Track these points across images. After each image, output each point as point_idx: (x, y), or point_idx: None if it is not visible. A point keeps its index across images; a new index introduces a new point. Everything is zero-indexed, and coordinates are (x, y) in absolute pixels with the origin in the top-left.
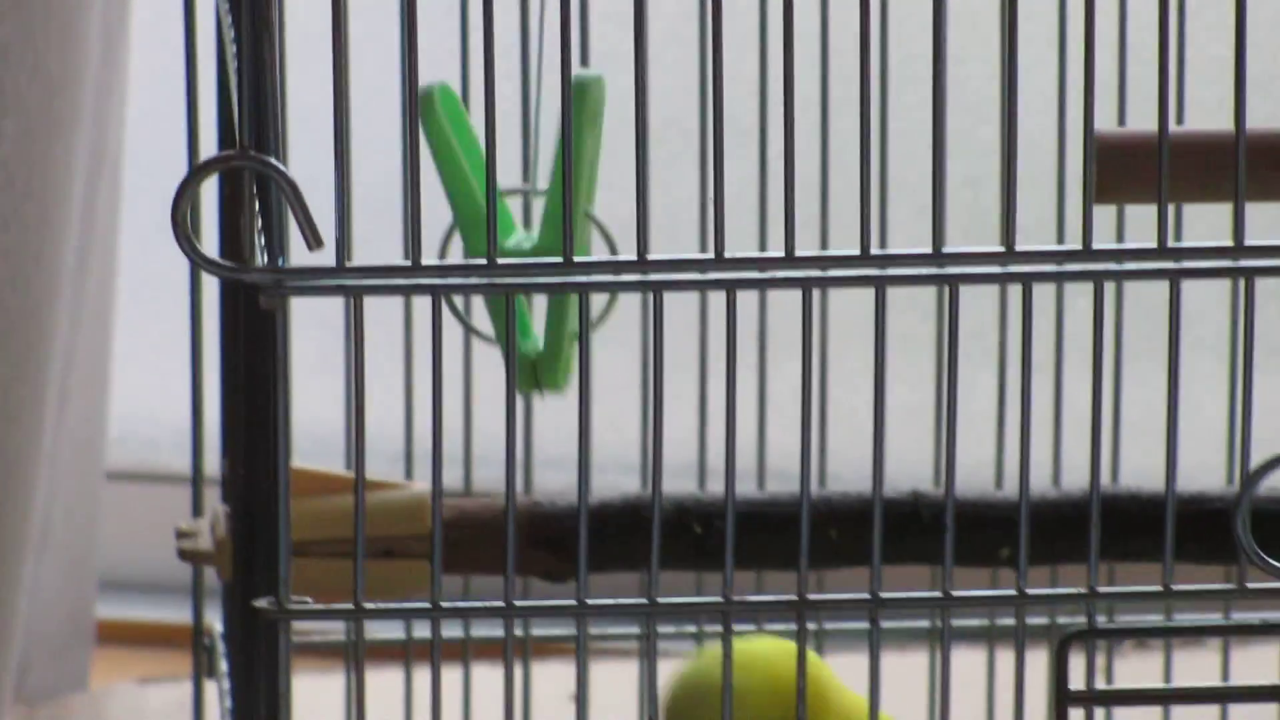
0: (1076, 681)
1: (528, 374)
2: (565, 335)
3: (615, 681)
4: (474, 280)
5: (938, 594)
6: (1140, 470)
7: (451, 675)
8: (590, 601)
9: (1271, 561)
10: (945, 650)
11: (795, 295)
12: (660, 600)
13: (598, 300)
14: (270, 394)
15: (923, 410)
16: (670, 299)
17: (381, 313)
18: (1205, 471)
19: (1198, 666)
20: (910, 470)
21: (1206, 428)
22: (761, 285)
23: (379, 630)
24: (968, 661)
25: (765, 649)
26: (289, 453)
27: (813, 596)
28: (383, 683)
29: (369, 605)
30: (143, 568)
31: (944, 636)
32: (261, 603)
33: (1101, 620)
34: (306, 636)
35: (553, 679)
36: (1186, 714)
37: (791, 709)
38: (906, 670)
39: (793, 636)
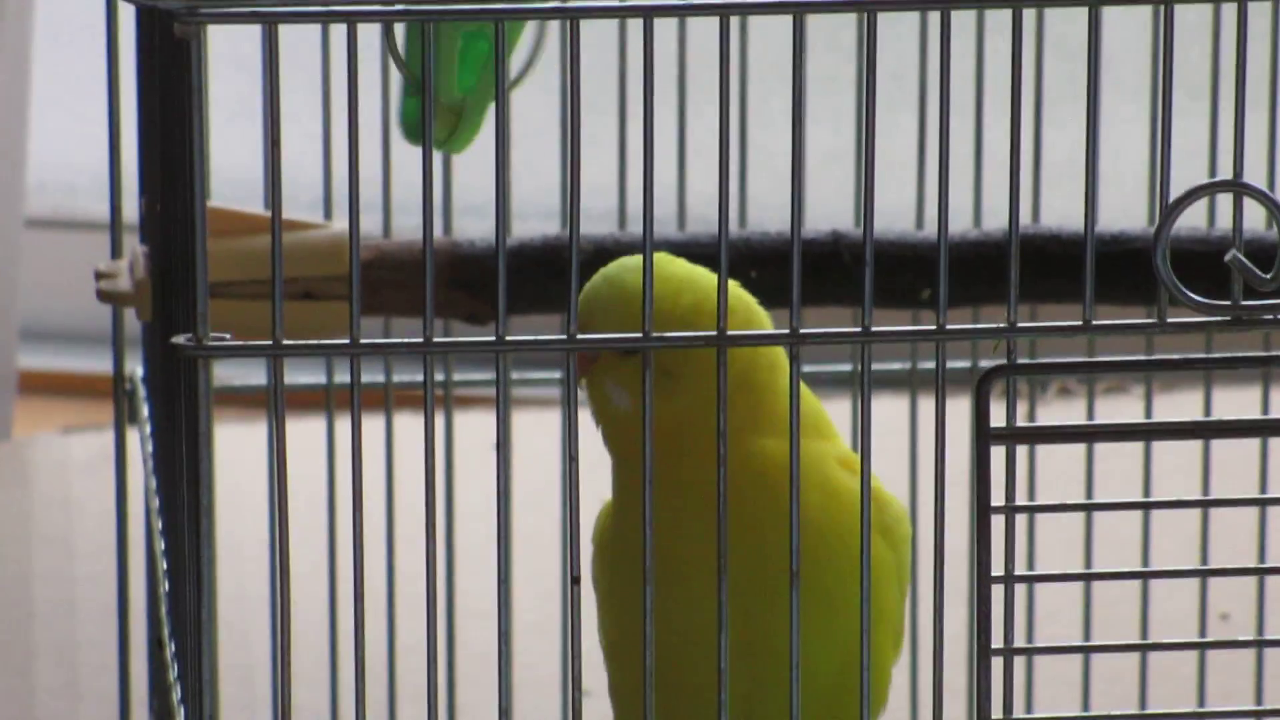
0: (999, 423)
1: (445, 122)
2: (482, 90)
3: (537, 431)
4: (393, 8)
5: (858, 330)
6: (1062, 216)
7: (373, 424)
8: (510, 339)
9: (1192, 295)
10: (866, 389)
11: (714, 37)
12: (580, 337)
13: (522, 53)
14: (186, 129)
15: (844, 155)
16: (589, 37)
17: (300, 55)
18: (1126, 218)
19: (1121, 414)
20: (831, 216)
21: (1127, 173)
22: (679, 12)
23: (300, 376)
24: (890, 408)
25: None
26: (206, 187)
27: (732, 333)
28: (305, 431)
29: (288, 343)
30: (64, 317)
31: (864, 375)
32: (180, 340)
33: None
34: (227, 382)
35: (475, 429)
36: (1110, 455)
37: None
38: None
39: None
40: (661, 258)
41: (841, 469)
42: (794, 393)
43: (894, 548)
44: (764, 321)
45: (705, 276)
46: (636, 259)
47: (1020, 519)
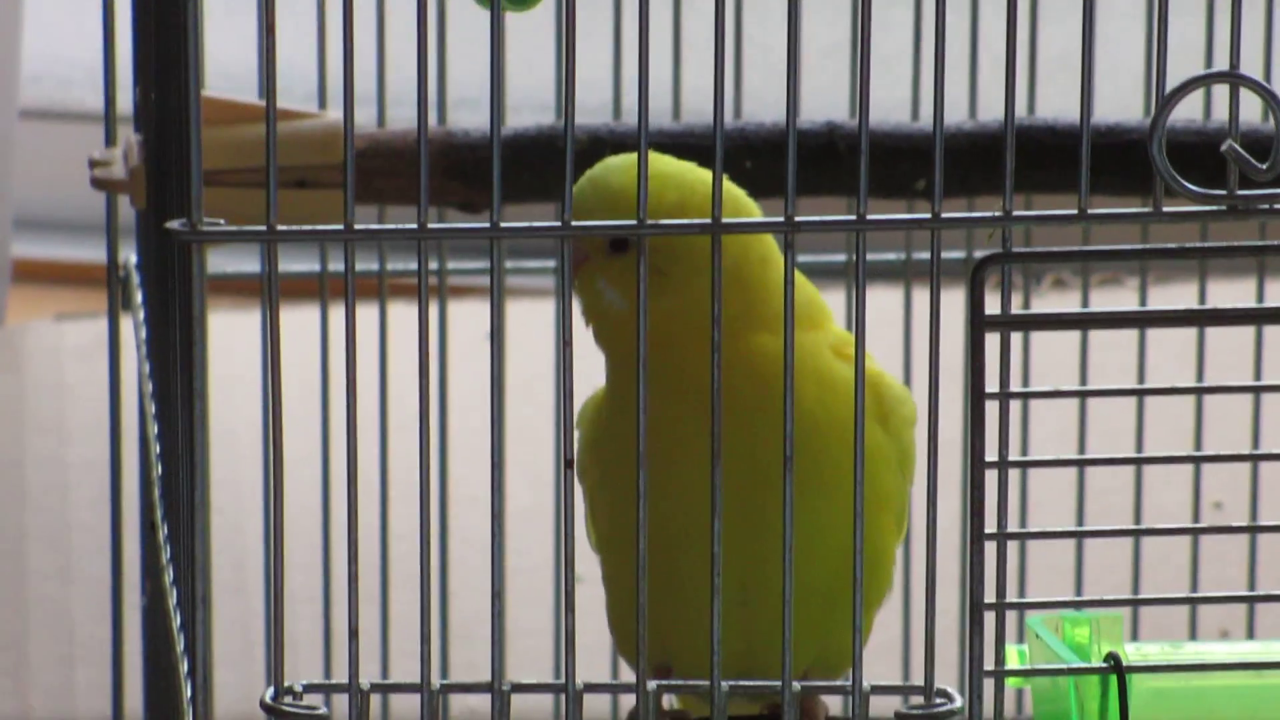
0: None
1: None
2: None
3: (530, 320)
4: None
5: (853, 218)
6: (1057, 110)
7: (367, 312)
8: (504, 225)
9: (1188, 185)
10: (860, 279)
11: None
12: (574, 224)
13: None
14: (182, 18)
15: (840, 49)
16: None
17: None
18: (1122, 113)
19: (1116, 305)
20: (827, 109)
21: (1124, 70)
22: None
23: (294, 263)
24: (884, 298)
25: None
26: (200, 73)
27: (727, 220)
28: (299, 319)
29: (282, 228)
30: (58, 205)
31: (859, 264)
32: (175, 225)
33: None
34: (221, 270)
35: (469, 318)
36: (1104, 348)
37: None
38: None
39: None
40: (650, 155)
41: (837, 358)
42: (789, 280)
43: (893, 434)
44: (753, 212)
45: (692, 171)
46: (621, 158)
47: (1014, 410)
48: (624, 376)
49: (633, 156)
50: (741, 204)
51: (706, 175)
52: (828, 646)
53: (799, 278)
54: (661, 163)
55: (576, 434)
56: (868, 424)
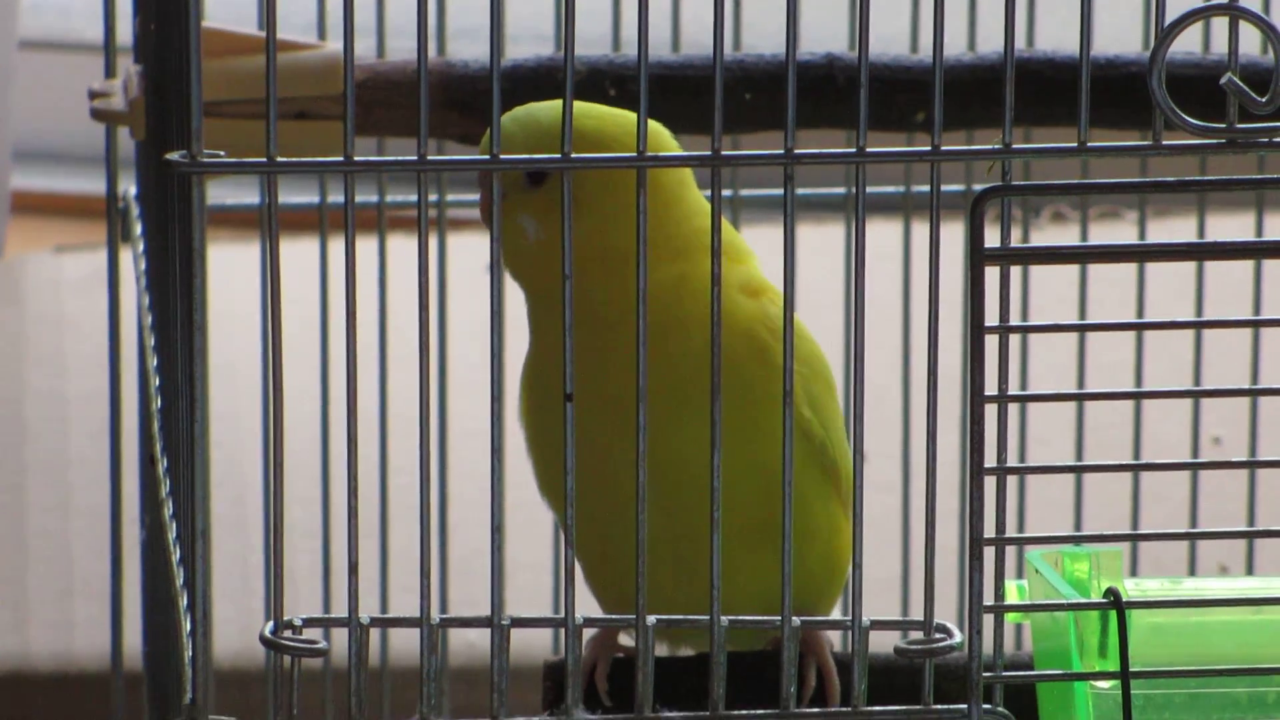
0: (993, 244)
1: None
2: None
3: None
4: None
5: (852, 150)
6: (1057, 43)
7: (366, 245)
8: (504, 157)
9: (1187, 118)
10: (860, 212)
11: None
12: (574, 156)
13: None
14: None
15: None
16: None
17: None
18: (1121, 44)
19: (1115, 239)
20: (825, 41)
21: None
22: None
23: (294, 195)
24: (883, 232)
25: None
26: (200, 3)
27: (727, 153)
28: (299, 252)
29: (282, 160)
30: (58, 138)
31: (859, 197)
32: (175, 156)
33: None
34: (221, 202)
35: (468, 251)
36: (1102, 283)
37: None
38: (823, 242)
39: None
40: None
41: (740, 293)
42: (788, 213)
43: (803, 363)
44: (671, 146)
45: (614, 110)
46: (546, 103)
47: (1013, 345)
48: (546, 313)
49: (577, 104)
50: (660, 139)
51: (628, 114)
52: (771, 585)
53: (704, 213)
54: (584, 104)
55: (518, 393)
56: (750, 363)
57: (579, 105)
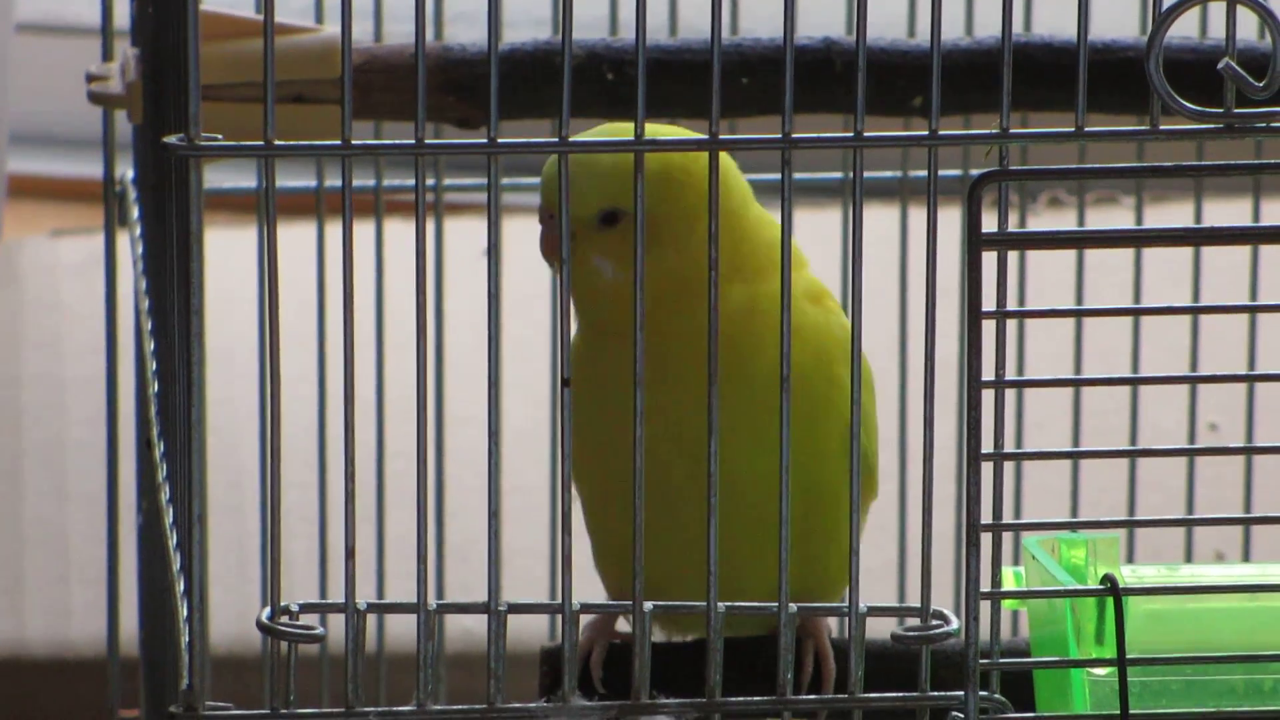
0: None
1: None
2: None
3: (527, 238)
4: None
5: (850, 135)
6: (1054, 27)
7: (364, 229)
8: (502, 141)
9: (1185, 103)
10: (858, 196)
11: None
12: (572, 140)
13: None
14: None
15: None
16: None
17: None
18: (1119, 29)
19: (1112, 224)
20: (823, 25)
21: None
22: None
23: (291, 179)
24: (881, 217)
25: None
26: None
27: (724, 137)
28: (296, 236)
29: (279, 143)
30: (55, 121)
31: (856, 181)
32: (172, 140)
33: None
34: (218, 185)
35: (466, 235)
36: (1099, 269)
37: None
38: (820, 227)
39: None
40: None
41: (806, 302)
42: (785, 197)
43: (845, 383)
44: (730, 169)
45: (662, 131)
46: (607, 126)
47: (1010, 330)
48: (613, 338)
49: (616, 124)
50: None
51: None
52: (804, 581)
53: (772, 224)
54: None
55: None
56: (833, 367)
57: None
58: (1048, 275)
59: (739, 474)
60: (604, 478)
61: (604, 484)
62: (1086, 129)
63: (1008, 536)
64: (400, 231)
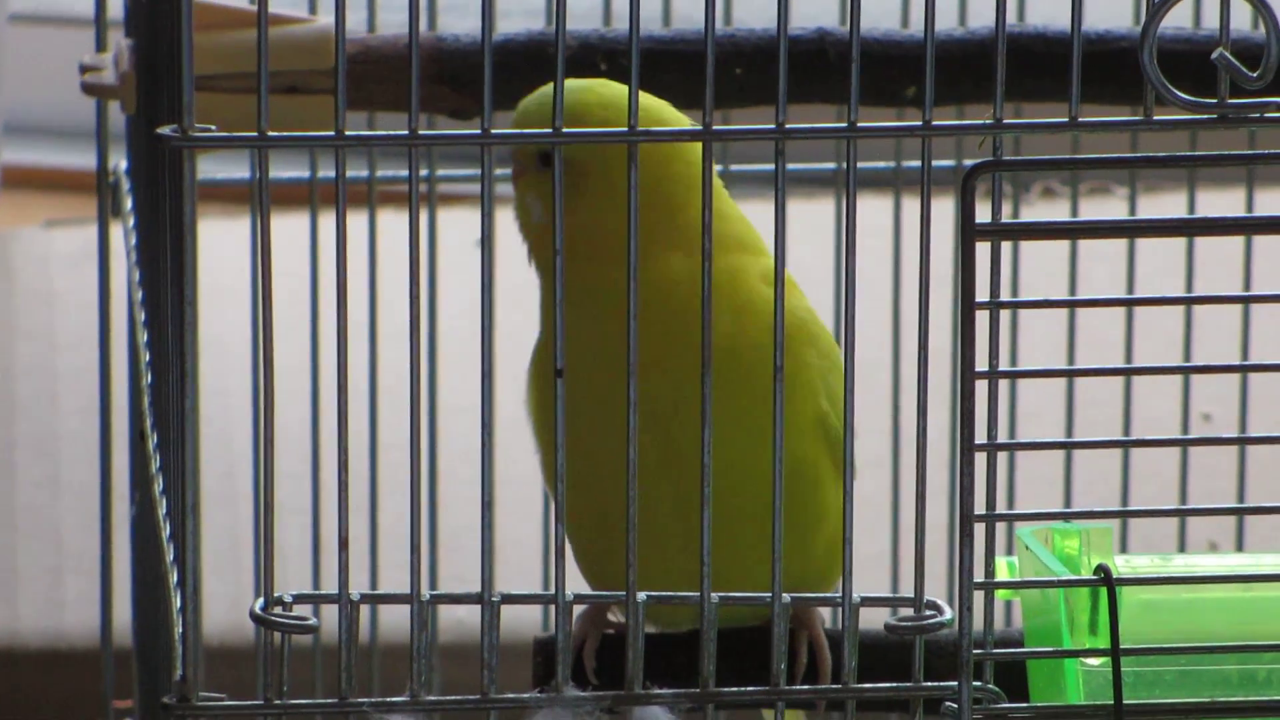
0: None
1: None
2: None
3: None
4: None
5: (843, 125)
6: (1048, 18)
7: (357, 220)
8: (495, 132)
9: (1178, 93)
10: (851, 187)
11: None
12: (565, 131)
13: None
14: None
15: None
16: None
17: None
18: (1113, 19)
19: (1105, 215)
20: (817, 16)
21: None
22: None
23: (285, 170)
24: (874, 208)
25: None
26: None
27: (718, 128)
28: (290, 226)
29: (273, 134)
30: (49, 112)
31: (849, 172)
32: (166, 131)
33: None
34: (211, 176)
35: (459, 226)
36: (1093, 259)
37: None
38: (814, 217)
39: None
40: (600, 81)
41: (761, 283)
42: (779, 187)
43: (825, 357)
44: (680, 123)
45: (622, 91)
46: (575, 81)
47: (1004, 321)
48: (548, 293)
49: (583, 80)
50: (665, 112)
51: (645, 98)
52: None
53: (733, 208)
54: (604, 85)
55: (527, 377)
56: (791, 345)
57: (602, 88)
58: (1041, 265)
59: (689, 455)
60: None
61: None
62: (1080, 119)
63: (1001, 526)
64: (394, 222)
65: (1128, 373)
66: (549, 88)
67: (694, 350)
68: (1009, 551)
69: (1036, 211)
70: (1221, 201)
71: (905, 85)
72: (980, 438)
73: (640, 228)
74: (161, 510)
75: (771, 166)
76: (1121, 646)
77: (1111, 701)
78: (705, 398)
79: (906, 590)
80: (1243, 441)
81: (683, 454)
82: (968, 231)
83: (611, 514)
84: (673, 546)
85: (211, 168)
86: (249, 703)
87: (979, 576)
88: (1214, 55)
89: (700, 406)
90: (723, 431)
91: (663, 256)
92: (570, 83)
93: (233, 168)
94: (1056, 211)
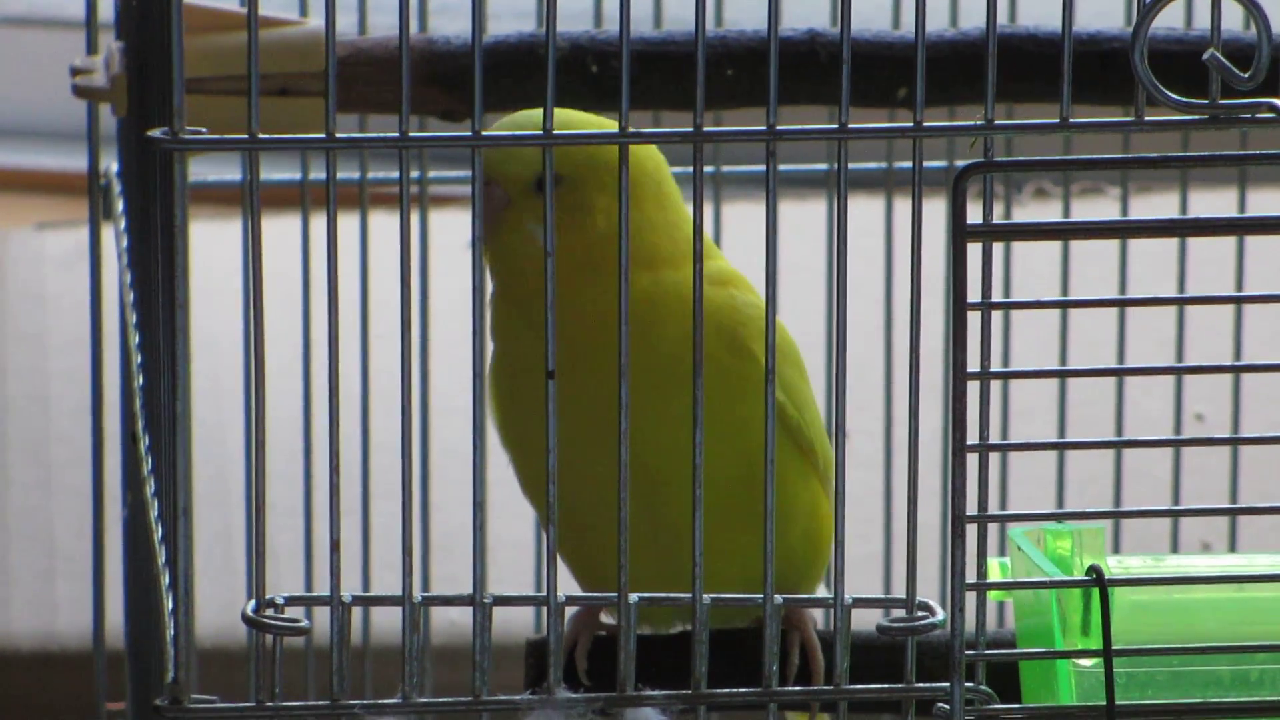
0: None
1: None
2: None
3: None
4: None
5: (834, 126)
6: (1039, 18)
7: (348, 221)
8: (486, 134)
9: (1170, 94)
10: (842, 188)
11: None
12: (556, 133)
13: None
14: None
15: None
16: None
17: None
18: (1104, 20)
19: (1097, 215)
20: (808, 17)
21: None
22: None
23: (276, 172)
24: (865, 209)
25: None
26: None
27: (709, 129)
28: (281, 228)
29: (264, 136)
30: (40, 114)
31: (840, 173)
32: (156, 133)
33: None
34: (202, 178)
35: (450, 227)
36: (1085, 260)
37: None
38: (805, 219)
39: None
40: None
41: (710, 286)
42: (770, 189)
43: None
44: (653, 153)
45: (605, 122)
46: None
47: (996, 321)
48: (515, 310)
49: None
50: (644, 150)
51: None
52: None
53: (684, 218)
54: (576, 113)
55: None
56: (720, 352)
57: (577, 115)
58: (1033, 266)
59: (666, 454)
60: (530, 459)
61: (529, 465)
62: (1071, 120)
63: (993, 527)
64: (384, 224)
65: (1120, 373)
66: (529, 113)
67: (651, 357)
68: (1001, 552)
69: (1029, 212)
70: (1213, 202)
71: (896, 86)
72: (972, 438)
73: (607, 246)
74: (154, 512)
75: (763, 168)
76: (1114, 647)
77: (1104, 702)
78: (697, 400)
79: (899, 591)
80: (1235, 442)
81: (641, 459)
82: (959, 232)
83: (593, 523)
84: (644, 556)
85: (203, 170)
86: (241, 705)
87: (971, 577)
88: (1205, 56)
89: (653, 409)
90: (677, 436)
91: (635, 274)
92: (532, 112)
93: (224, 170)
94: (1049, 212)
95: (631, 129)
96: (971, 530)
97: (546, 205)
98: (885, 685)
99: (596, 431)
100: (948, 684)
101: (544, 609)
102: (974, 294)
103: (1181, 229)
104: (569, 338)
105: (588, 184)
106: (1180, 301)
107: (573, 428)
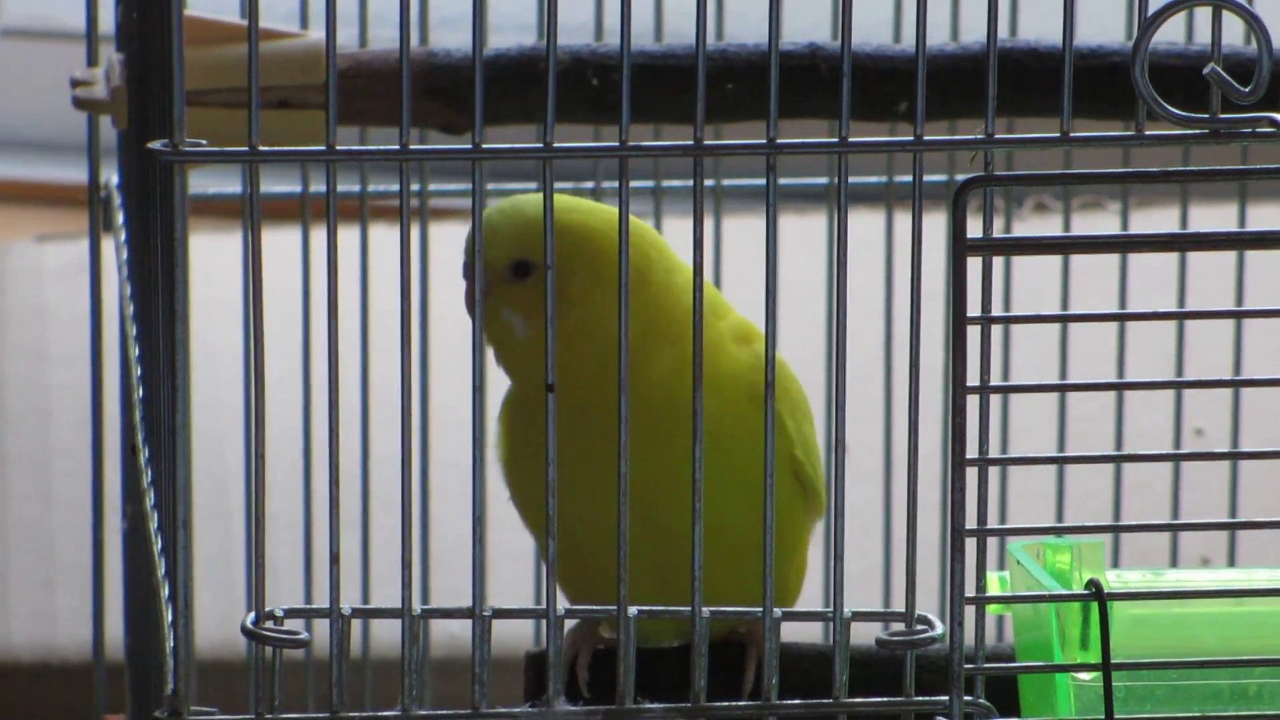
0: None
1: None
2: None
3: None
4: None
5: (835, 141)
6: (1040, 33)
7: (348, 234)
8: (486, 146)
9: (1170, 108)
10: (843, 202)
11: None
12: (556, 145)
13: None
14: None
15: None
16: None
17: None
18: (1105, 34)
19: (1097, 230)
20: (808, 31)
21: None
22: None
23: (276, 184)
24: (866, 223)
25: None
26: None
27: (710, 143)
28: (281, 241)
29: (264, 149)
30: (40, 126)
31: (841, 188)
32: (157, 145)
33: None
34: (203, 191)
35: (451, 240)
36: (1085, 274)
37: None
38: (805, 233)
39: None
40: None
41: (733, 345)
42: (770, 203)
43: (796, 407)
44: (658, 242)
45: (597, 206)
46: (530, 196)
47: (995, 336)
48: (534, 401)
49: (537, 195)
50: (644, 233)
51: (610, 209)
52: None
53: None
54: (568, 198)
55: (496, 428)
56: (750, 411)
57: (567, 200)
58: (1033, 280)
59: (672, 494)
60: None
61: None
62: (1072, 134)
63: (993, 541)
64: (385, 236)
65: (1120, 387)
66: (513, 200)
67: (665, 420)
68: (1000, 566)
69: (1029, 226)
70: (1214, 216)
71: (897, 100)
72: (972, 452)
73: (604, 316)
74: (153, 524)
75: (763, 181)
76: (1113, 661)
77: (1103, 716)
78: (696, 412)
79: (898, 605)
80: (1235, 456)
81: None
82: (959, 246)
83: (582, 537)
84: (641, 567)
85: (203, 182)
86: (240, 717)
87: (970, 591)
88: (1206, 70)
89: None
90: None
91: (650, 353)
92: (537, 198)
93: (224, 182)
94: (1049, 226)
95: (631, 142)
96: (971, 544)
97: (546, 216)
98: (884, 699)
99: (607, 462)
100: (947, 698)
101: (543, 622)
102: (974, 308)
103: (1182, 243)
104: (580, 434)
105: (584, 265)
106: (1180, 316)
107: (582, 463)
